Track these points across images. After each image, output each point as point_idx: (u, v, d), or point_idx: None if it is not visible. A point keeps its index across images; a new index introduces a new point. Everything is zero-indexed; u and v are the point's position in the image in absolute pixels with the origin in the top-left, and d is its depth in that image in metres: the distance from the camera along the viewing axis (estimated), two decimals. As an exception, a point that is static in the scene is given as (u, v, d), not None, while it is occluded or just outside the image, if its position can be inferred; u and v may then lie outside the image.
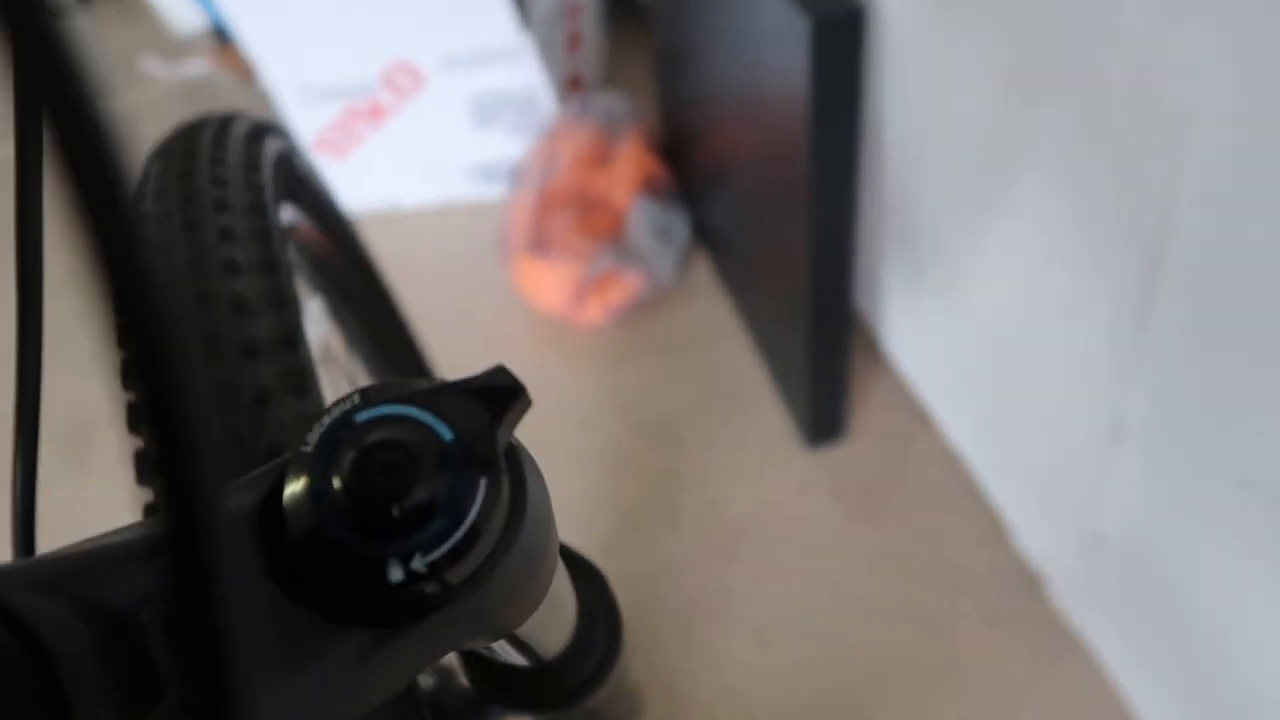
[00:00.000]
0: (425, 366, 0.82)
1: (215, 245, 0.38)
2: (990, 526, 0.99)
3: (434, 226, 1.46)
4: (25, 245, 0.24)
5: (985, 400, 0.94)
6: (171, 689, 0.15)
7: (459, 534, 0.17)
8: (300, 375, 0.35)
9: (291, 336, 0.36)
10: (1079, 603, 0.89)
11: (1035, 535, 0.93)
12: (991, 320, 0.87)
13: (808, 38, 0.81)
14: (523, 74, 1.38)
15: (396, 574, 0.17)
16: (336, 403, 0.18)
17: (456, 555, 0.17)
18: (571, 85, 1.51)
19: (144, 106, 1.75)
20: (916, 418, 1.09)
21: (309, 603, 0.17)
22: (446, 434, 0.18)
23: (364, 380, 0.70)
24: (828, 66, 0.83)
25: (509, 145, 1.44)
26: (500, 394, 0.19)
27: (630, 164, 1.31)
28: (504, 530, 0.18)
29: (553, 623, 0.29)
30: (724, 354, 1.20)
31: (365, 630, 0.17)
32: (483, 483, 0.17)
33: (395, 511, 0.17)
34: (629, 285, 1.24)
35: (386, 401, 0.18)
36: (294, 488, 0.17)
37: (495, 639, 0.23)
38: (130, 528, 0.18)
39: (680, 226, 1.31)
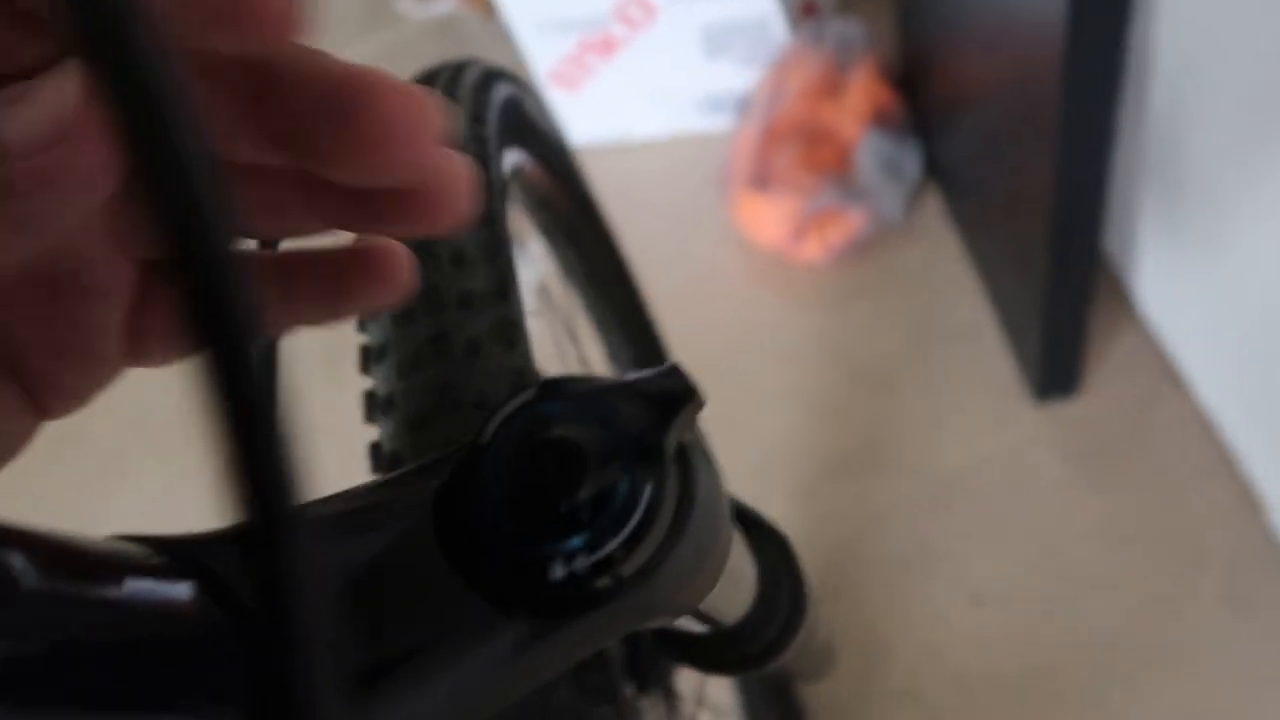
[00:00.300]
0: (641, 306, 0.84)
1: (439, 199, 0.40)
2: (1244, 501, 0.89)
3: (660, 159, 1.48)
4: None
5: (1251, 362, 0.84)
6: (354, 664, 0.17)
7: (622, 535, 0.17)
8: (510, 327, 0.37)
9: (504, 288, 0.38)
10: (1345, 596, 0.79)
11: (1299, 516, 0.84)
12: (1271, 275, 0.77)
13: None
14: (755, 1, 1.35)
15: (558, 571, 0.17)
16: (514, 395, 0.19)
17: (619, 555, 0.17)
18: (805, 11, 1.46)
19: (398, 45, 1.86)
20: (1165, 376, 0.99)
21: (480, 589, 0.18)
22: (617, 434, 0.18)
23: (581, 320, 0.72)
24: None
25: (740, 76, 1.42)
26: (673, 395, 0.18)
27: (862, 94, 1.26)
28: (670, 529, 0.18)
29: (731, 594, 0.30)
30: (950, 298, 1.15)
31: (530, 619, 0.18)
32: (649, 485, 0.18)
33: (562, 509, 0.17)
34: (852, 222, 1.20)
35: (562, 398, 0.19)
36: (466, 479, 0.18)
37: (667, 622, 0.24)
38: (335, 498, 0.19)
39: (912, 162, 1.25)
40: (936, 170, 1.26)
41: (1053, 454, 0.98)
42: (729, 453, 1.16)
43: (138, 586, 0.14)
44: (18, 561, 0.12)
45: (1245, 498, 0.89)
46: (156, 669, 0.14)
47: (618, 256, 0.82)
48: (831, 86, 1.28)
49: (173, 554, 0.16)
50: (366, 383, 0.37)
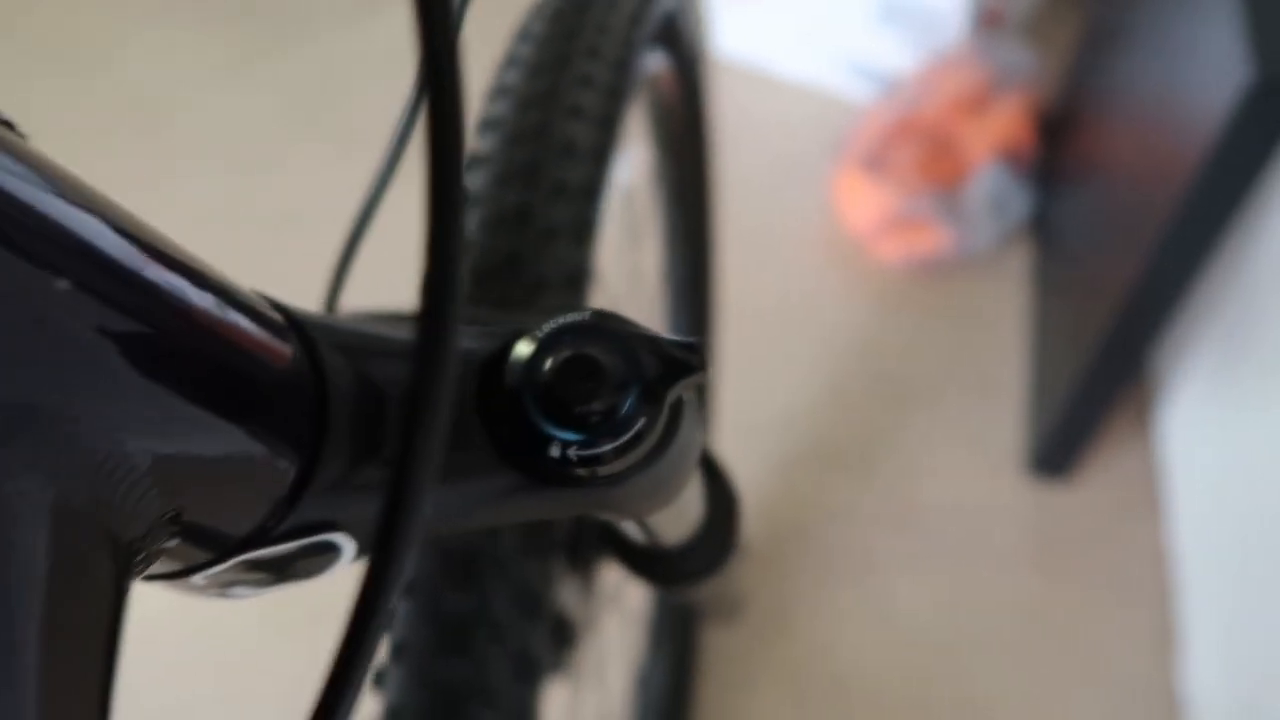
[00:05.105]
0: (710, 234, 0.87)
1: (572, 86, 0.44)
2: (1163, 636, 0.94)
3: (792, 103, 1.48)
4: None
5: (1229, 524, 0.88)
6: (389, 451, 0.22)
7: (607, 447, 0.23)
8: (586, 226, 0.41)
9: (595, 189, 0.42)
10: (1208, 755, 0.84)
11: (1203, 669, 0.88)
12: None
13: (1242, 91, 0.73)
14: (945, -10, 1.33)
15: (555, 451, 0.23)
16: (574, 310, 0.24)
17: (601, 460, 0.23)
18: (989, 20, 1.43)
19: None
20: (1147, 499, 1.03)
21: (495, 439, 0.23)
22: (635, 374, 0.23)
23: (654, 227, 0.76)
24: (1249, 129, 0.75)
25: (900, 55, 1.41)
26: (686, 363, 0.23)
27: (1003, 124, 1.25)
28: (644, 458, 0.24)
29: (675, 523, 0.35)
30: (995, 346, 1.17)
31: (522, 476, 0.24)
32: (641, 420, 0.23)
33: (575, 410, 0.22)
34: (939, 240, 1.21)
35: (608, 329, 0.23)
36: (517, 356, 0.23)
37: (622, 520, 0.29)
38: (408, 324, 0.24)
39: (1020, 206, 1.25)
40: (1040, 223, 1.27)
41: (1017, 525, 1.02)
42: (733, 402, 1.21)
43: (247, 324, 0.19)
44: None
45: (1166, 633, 0.94)
46: (241, 385, 0.18)
47: (707, 181, 0.85)
48: (979, 104, 1.28)
49: (290, 318, 0.21)
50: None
